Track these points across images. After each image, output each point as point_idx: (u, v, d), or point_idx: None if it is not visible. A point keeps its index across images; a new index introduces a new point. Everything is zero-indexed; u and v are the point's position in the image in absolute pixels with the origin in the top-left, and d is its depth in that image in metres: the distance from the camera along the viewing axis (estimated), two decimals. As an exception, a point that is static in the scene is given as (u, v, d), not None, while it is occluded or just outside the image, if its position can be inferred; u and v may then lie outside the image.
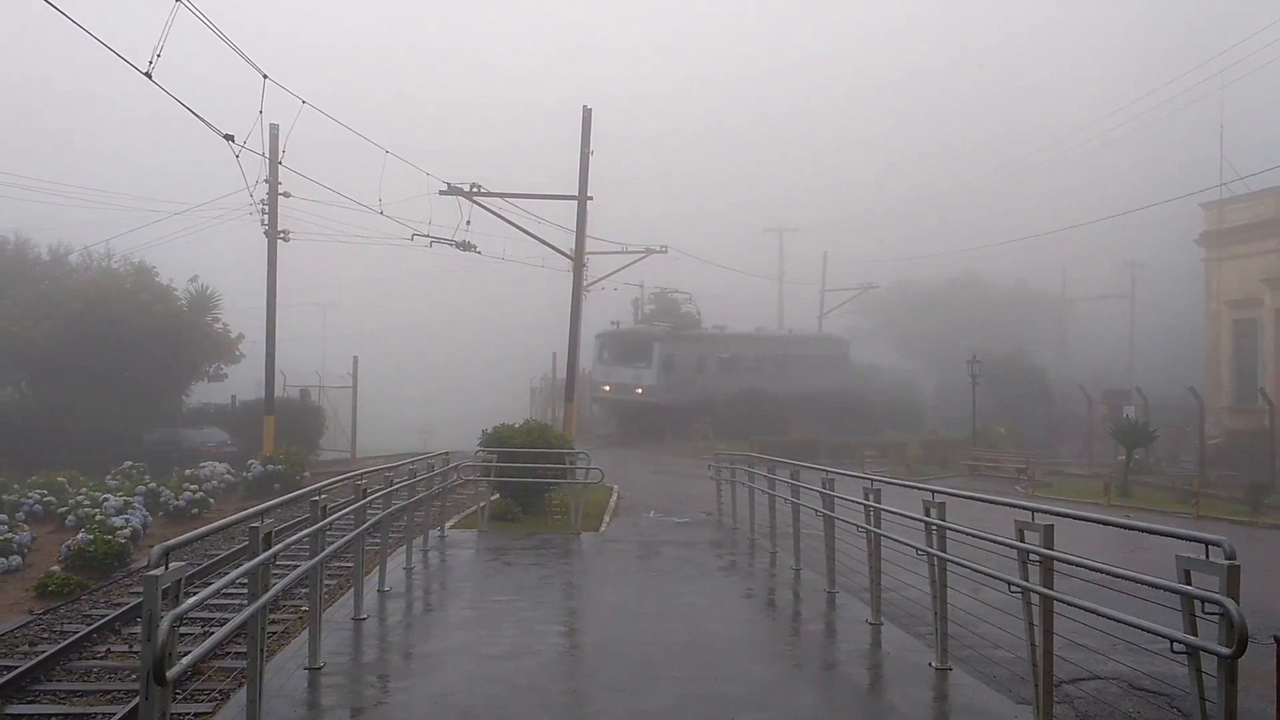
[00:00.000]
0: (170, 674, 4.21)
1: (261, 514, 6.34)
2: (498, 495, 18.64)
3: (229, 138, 14.73)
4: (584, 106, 26.55)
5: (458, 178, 26.26)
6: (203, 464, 25.93)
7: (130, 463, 26.93)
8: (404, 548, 13.18)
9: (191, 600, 4.54)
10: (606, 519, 18.87)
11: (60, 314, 33.58)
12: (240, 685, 8.76)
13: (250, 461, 26.71)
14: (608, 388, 41.79)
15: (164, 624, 4.18)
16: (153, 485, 22.83)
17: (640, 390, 40.43)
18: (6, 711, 9.04)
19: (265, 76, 13.95)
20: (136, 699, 8.89)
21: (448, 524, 16.80)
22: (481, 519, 17.13)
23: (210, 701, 8.52)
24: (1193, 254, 40.21)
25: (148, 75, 10.69)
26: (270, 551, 6.17)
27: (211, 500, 23.13)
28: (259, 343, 33.49)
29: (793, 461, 15.86)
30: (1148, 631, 5.07)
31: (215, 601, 10.43)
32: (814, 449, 35.71)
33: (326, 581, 9.92)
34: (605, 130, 26.99)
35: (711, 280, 57.44)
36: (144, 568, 14.00)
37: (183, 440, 31.55)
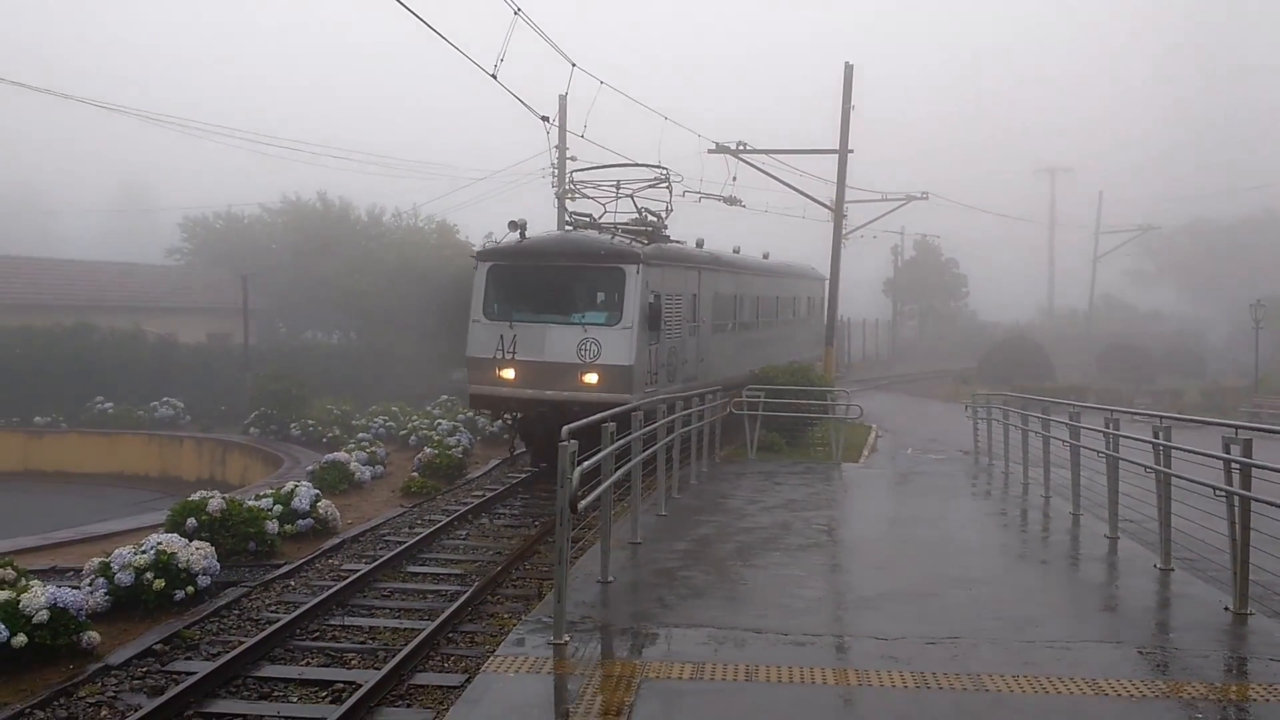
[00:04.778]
0: (580, 506, 6.45)
1: (606, 419, 8.62)
2: (763, 429, 20.62)
3: (545, 119, 17.49)
4: (845, 63, 27.51)
5: (726, 137, 28.17)
6: (504, 398, 29.52)
7: (445, 396, 31.17)
8: (688, 465, 15.41)
9: (587, 463, 6.76)
10: (865, 453, 20.47)
11: (379, 268, 38.73)
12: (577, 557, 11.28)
13: (544, 396, 30.19)
14: (510, 373, 17.60)
15: (575, 475, 6.41)
16: (470, 414, 26.58)
17: (596, 379, 16.83)
18: (408, 570, 12.09)
19: (574, 65, 16.41)
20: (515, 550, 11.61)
21: (719, 452, 18.97)
22: (750, 448, 19.20)
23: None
24: None
25: (493, 76, 13.27)
26: (614, 445, 8.41)
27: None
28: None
29: (1050, 399, 16.78)
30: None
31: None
32: (1082, 395, 35.33)
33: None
34: (867, 72, 27.66)
35: (975, 226, 56.57)
36: (479, 476, 16.98)
37: (482, 378, 35.76)
